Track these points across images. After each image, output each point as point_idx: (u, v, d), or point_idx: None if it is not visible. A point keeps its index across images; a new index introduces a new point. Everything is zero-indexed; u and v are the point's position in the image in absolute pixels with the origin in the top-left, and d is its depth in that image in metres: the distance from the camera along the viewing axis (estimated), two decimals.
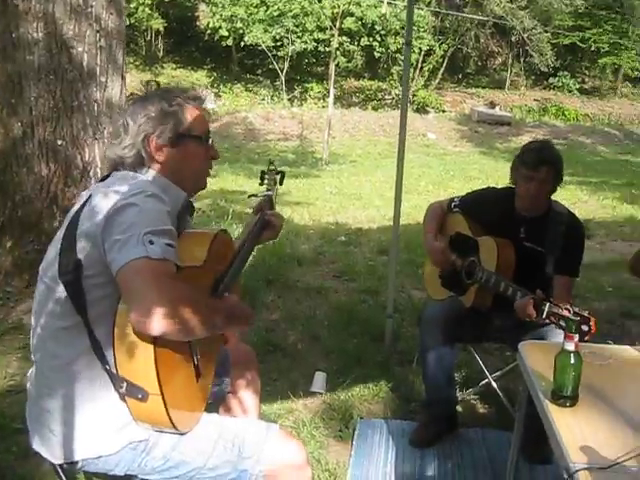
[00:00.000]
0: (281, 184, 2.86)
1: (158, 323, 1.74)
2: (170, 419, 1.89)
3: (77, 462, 2.01)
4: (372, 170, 13.60)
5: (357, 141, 19.26)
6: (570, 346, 2.04)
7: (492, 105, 24.16)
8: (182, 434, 2.04)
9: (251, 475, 2.08)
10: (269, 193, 2.75)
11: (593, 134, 22.67)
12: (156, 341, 1.82)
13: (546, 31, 25.39)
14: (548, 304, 2.78)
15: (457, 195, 3.77)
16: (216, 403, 2.62)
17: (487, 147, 18.47)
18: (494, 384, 3.78)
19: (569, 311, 2.64)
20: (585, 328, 2.55)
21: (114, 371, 1.90)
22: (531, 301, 2.88)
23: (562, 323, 2.65)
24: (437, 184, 12.28)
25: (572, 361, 2.04)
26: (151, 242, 1.82)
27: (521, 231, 3.40)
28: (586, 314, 2.59)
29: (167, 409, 1.87)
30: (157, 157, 2.11)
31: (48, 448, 2.02)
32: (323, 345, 4.58)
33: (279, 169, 2.89)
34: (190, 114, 2.19)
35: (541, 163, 3.24)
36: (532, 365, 2.36)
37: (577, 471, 1.72)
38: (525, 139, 20.78)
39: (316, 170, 12.82)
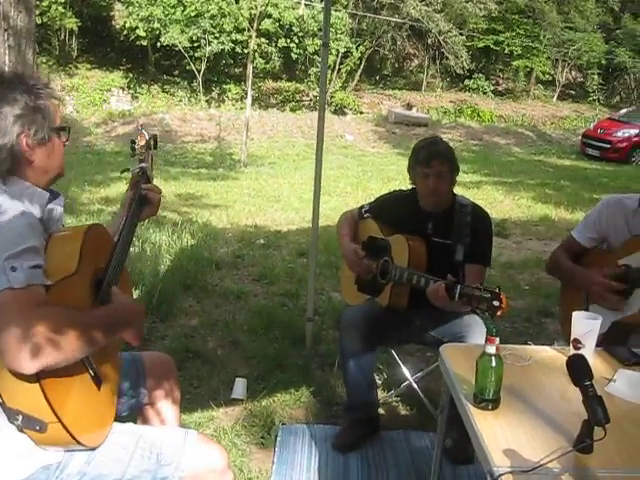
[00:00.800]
0: (155, 148, 2.62)
1: (31, 362, 1.63)
2: (77, 440, 1.79)
3: None
4: (290, 172, 13.56)
5: (275, 143, 19.20)
6: (491, 349, 2.03)
7: (409, 107, 24.48)
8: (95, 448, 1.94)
9: None
10: (143, 165, 2.55)
11: (507, 135, 23.23)
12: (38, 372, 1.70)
13: (461, 34, 25.87)
14: (459, 286, 2.80)
15: (366, 202, 3.80)
16: (133, 415, 2.54)
17: (404, 148, 18.61)
18: (415, 385, 3.78)
19: (479, 289, 2.67)
20: (496, 303, 2.58)
21: (6, 405, 1.78)
22: (442, 285, 2.91)
23: (474, 303, 2.67)
24: (355, 185, 12.30)
25: (493, 364, 2.03)
26: (13, 268, 1.69)
27: (428, 227, 3.45)
28: (496, 290, 2.62)
29: (71, 433, 1.77)
30: (29, 158, 1.97)
31: None
32: (243, 350, 4.49)
33: (150, 133, 2.64)
34: (52, 105, 2.04)
35: (433, 157, 3.31)
36: (454, 368, 2.34)
37: (501, 475, 1.71)
38: None
39: (234, 172, 12.70)
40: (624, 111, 22.25)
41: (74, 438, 1.78)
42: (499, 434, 1.92)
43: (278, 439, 3.49)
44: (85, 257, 1.93)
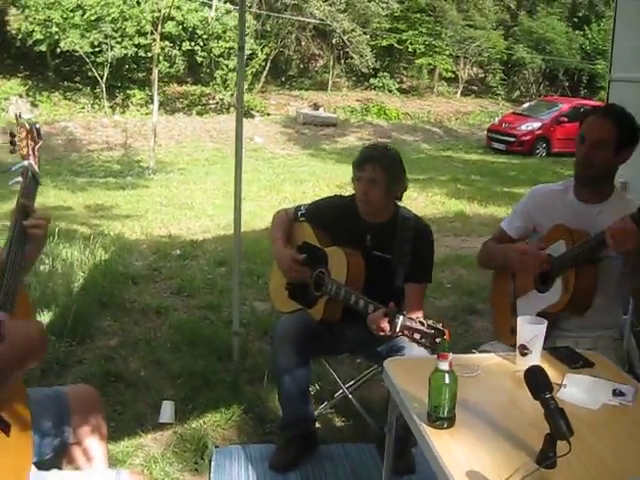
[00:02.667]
0: (39, 139, 2.31)
1: None
2: None
3: None
4: (201, 177, 13.30)
5: (184, 148, 18.84)
6: (444, 365, 1.93)
7: (316, 107, 24.49)
8: None
9: None
10: (25, 163, 2.24)
11: (415, 132, 23.51)
12: None
13: (365, 33, 26.09)
14: (401, 317, 2.70)
15: (303, 203, 3.64)
16: (58, 456, 2.31)
17: (314, 149, 18.63)
18: (350, 396, 3.67)
19: (423, 324, 2.58)
20: (439, 341, 2.50)
21: None
22: (384, 317, 2.79)
23: (416, 336, 2.59)
24: (269, 189, 12.16)
25: (447, 381, 1.93)
26: None
27: (367, 239, 3.31)
28: (440, 327, 2.54)
29: None
30: None
31: None
32: (168, 370, 4.27)
33: (29, 119, 2.35)
34: None
35: (365, 161, 3.18)
36: (401, 385, 2.23)
37: None
38: (351, 139, 21.28)
39: (144, 180, 12.36)
40: (527, 105, 22.95)
41: None
42: (458, 454, 1.83)
43: (213, 463, 3.32)
44: None
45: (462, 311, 5.79)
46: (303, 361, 3.31)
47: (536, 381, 1.87)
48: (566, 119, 20.05)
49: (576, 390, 2.20)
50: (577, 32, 28.88)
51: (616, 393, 2.23)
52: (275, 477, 3.26)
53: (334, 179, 13.20)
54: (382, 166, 3.18)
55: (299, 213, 3.55)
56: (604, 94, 26.18)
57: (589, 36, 28.62)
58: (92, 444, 2.35)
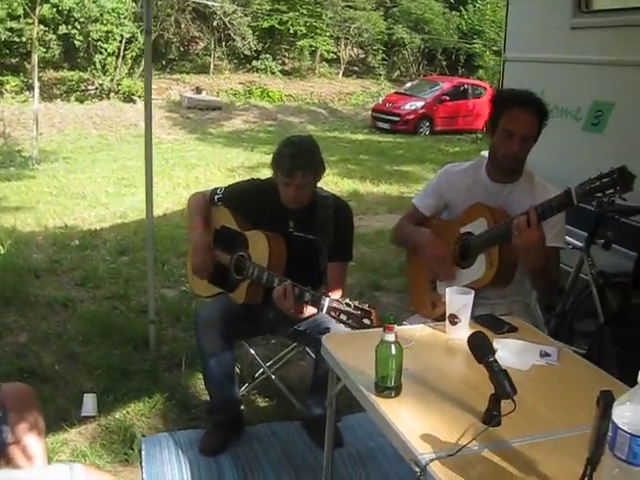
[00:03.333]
0: None
1: None
2: None
3: None
4: (89, 166, 12.89)
5: (66, 136, 18.16)
6: (390, 337, 2.02)
7: (198, 90, 24.10)
8: None
9: None
10: None
11: (300, 113, 23.56)
12: None
13: (246, 15, 25.88)
14: (327, 299, 2.79)
15: (220, 187, 3.62)
16: None
17: (201, 133, 18.39)
18: (273, 376, 3.74)
19: (350, 306, 2.67)
20: (367, 322, 2.60)
21: None
22: (284, 294, 3.01)
23: (343, 317, 2.68)
24: (160, 174, 11.88)
25: (393, 352, 2.02)
26: None
27: (290, 224, 3.37)
28: (367, 307, 2.63)
29: None
30: None
31: None
32: (84, 363, 4.21)
33: None
34: None
35: (295, 169, 3.18)
36: (343, 359, 2.31)
37: (429, 462, 1.70)
38: (237, 122, 21.14)
39: (28, 170, 11.85)
40: (409, 85, 23.38)
41: None
42: (409, 421, 1.93)
43: (143, 452, 3.32)
44: None
45: (368, 287, 5.96)
46: (228, 345, 3.35)
47: (480, 346, 1.99)
48: (447, 98, 20.70)
49: (507, 354, 2.34)
50: (454, 13, 29.62)
51: (542, 354, 2.41)
52: (207, 461, 3.29)
53: (225, 163, 13.15)
54: (311, 169, 3.23)
55: (216, 197, 3.54)
56: (482, 72, 27.08)
57: (465, 16, 29.44)
58: (31, 441, 2.32)
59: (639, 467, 1.34)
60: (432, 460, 1.71)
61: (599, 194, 2.45)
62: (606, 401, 1.45)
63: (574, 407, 2.03)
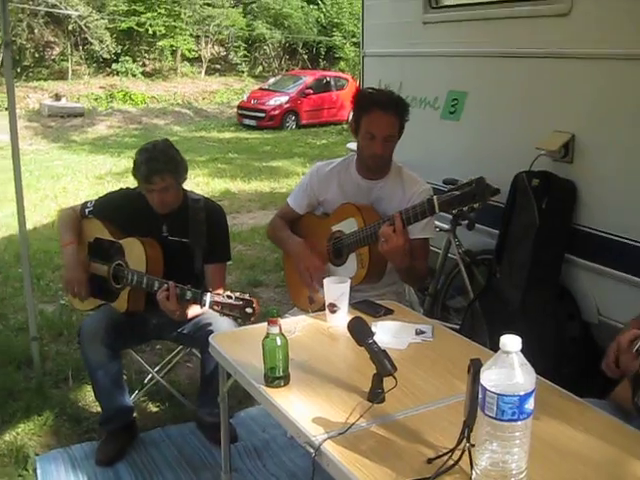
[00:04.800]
0: None
1: None
2: None
3: None
4: None
5: None
6: (275, 329, 2.12)
7: (58, 97, 23.37)
8: None
9: None
10: None
11: (165, 115, 23.29)
12: None
13: (102, 17, 25.27)
14: (208, 294, 2.86)
15: (89, 200, 3.62)
16: None
17: (64, 141, 17.85)
18: (162, 380, 3.77)
19: (231, 297, 2.76)
20: (249, 310, 2.71)
21: None
22: (167, 296, 3.05)
23: (226, 310, 2.77)
24: (25, 188, 11.42)
25: (279, 343, 2.13)
26: None
27: (163, 229, 3.40)
28: (247, 297, 2.74)
29: None
30: None
31: None
32: None
33: None
34: None
35: (153, 174, 3.19)
36: (232, 355, 2.39)
37: (323, 442, 1.81)
38: (101, 128, 20.65)
39: None
40: (273, 80, 23.54)
41: None
42: (300, 407, 2.03)
43: (38, 471, 3.27)
44: None
45: (247, 285, 6.04)
46: (114, 354, 3.34)
47: (359, 330, 2.12)
48: (311, 91, 20.99)
49: (385, 335, 2.50)
50: (312, 6, 30.02)
51: (418, 332, 2.58)
52: (105, 472, 3.28)
53: (92, 170, 12.85)
54: (169, 171, 3.23)
55: (86, 210, 3.52)
56: (343, 64, 27.62)
57: (323, 10, 29.89)
58: None
59: (506, 422, 1.50)
60: (325, 440, 1.82)
61: (458, 205, 2.57)
62: (475, 367, 1.60)
63: (450, 378, 2.21)
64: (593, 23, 3.53)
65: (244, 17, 29.12)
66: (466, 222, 4.15)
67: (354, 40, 27.60)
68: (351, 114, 3.29)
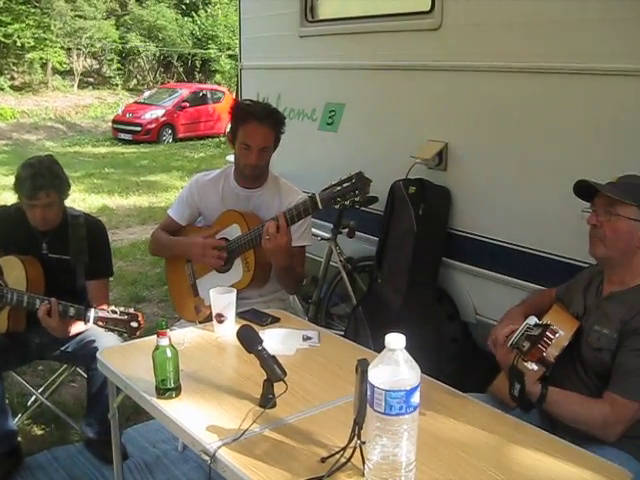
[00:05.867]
0: None
1: None
2: None
3: None
4: None
5: None
6: (164, 341, 2.13)
7: None
8: None
9: None
10: None
11: (37, 130, 22.51)
12: None
13: None
14: (92, 310, 2.84)
15: None
16: None
17: None
18: (46, 402, 3.67)
19: (116, 312, 2.76)
20: (134, 324, 2.71)
21: None
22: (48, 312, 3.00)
23: (111, 325, 2.76)
24: None
25: (169, 355, 2.14)
26: None
27: (43, 247, 3.33)
28: (132, 311, 2.74)
29: None
30: None
31: None
32: None
33: None
34: None
35: (37, 190, 3.14)
36: (122, 370, 2.38)
37: (218, 449, 1.84)
38: None
39: None
40: (148, 93, 23.15)
41: None
42: (193, 417, 2.05)
43: None
44: None
45: (130, 301, 5.95)
46: None
47: (248, 338, 2.16)
48: (187, 104, 20.80)
49: (273, 342, 2.54)
50: (187, 19, 29.84)
51: (305, 338, 2.65)
52: None
53: None
54: (54, 187, 3.19)
55: None
56: (219, 77, 27.53)
57: (198, 22, 29.76)
58: None
59: (394, 416, 1.57)
60: (220, 447, 1.85)
61: (340, 199, 2.70)
62: (363, 367, 1.67)
63: (338, 380, 2.28)
64: (462, 38, 3.72)
65: (117, 29, 28.59)
66: (347, 230, 4.26)
67: (230, 53, 27.62)
68: (229, 126, 3.34)
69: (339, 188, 2.69)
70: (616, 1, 3.06)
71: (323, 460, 1.79)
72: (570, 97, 3.27)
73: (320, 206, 2.77)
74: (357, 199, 2.69)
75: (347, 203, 2.70)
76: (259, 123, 3.13)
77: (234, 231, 3.19)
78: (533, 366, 2.19)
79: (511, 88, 3.51)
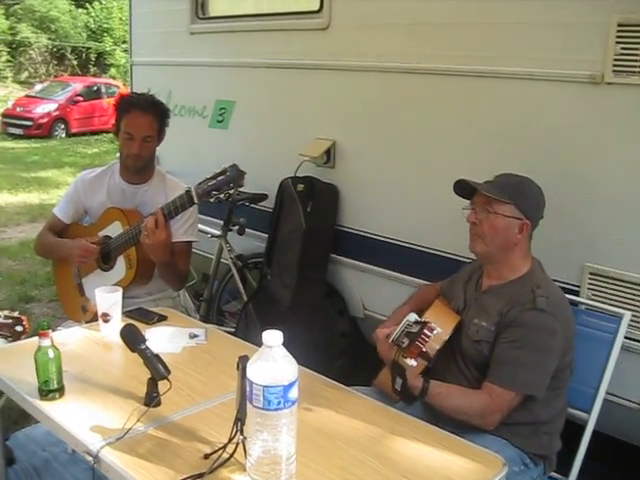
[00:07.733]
0: None
1: None
2: None
3: None
4: None
5: None
6: (46, 342, 2.11)
7: None
8: None
9: None
10: None
11: None
12: None
13: None
14: None
15: None
16: None
17: None
18: None
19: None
20: (19, 329, 2.66)
21: None
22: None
23: None
24: None
25: (51, 355, 2.11)
26: None
27: None
28: (17, 315, 2.69)
29: None
30: None
31: None
32: None
33: None
34: None
35: None
36: (3, 372, 2.33)
37: (101, 449, 1.84)
38: None
39: None
40: (40, 87, 22.39)
41: None
42: (77, 418, 2.03)
43: None
44: None
45: (19, 301, 5.81)
46: None
47: (131, 337, 2.16)
48: (81, 98, 20.25)
49: (159, 340, 2.55)
50: (80, 10, 29.03)
51: (191, 336, 2.67)
52: None
53: None
54: None
55: None
56: (114, 71, 26.87)
57: (92, 14, 29.02)
58: None
59: (273, 411, 1.61)
60: (103, 447, 1.84)
61: (216, 192, 2.72)
62: (243, 363, 1.71)
63: (224, 377, 2.30)
64: (349, 38, 3.80)
65: (6, 19, 27.55)
66: (237, 227, 4.29)
67: (125, 47, 27.00)
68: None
69: (214, 182, 2.72)
70: (494, 4, 3.18)
71: (206, 457, 1.81)
72: (452, 97, 3.38)
73: (196, 200, 2.79)
74: (232, 192, 2.72)
75: (222, 196, 2.73)
76: (142, 112, 3.15)
77: (116, 228, 3.17)
78: (412, 362, 2.26)
79: (395, 88, 3.61)
